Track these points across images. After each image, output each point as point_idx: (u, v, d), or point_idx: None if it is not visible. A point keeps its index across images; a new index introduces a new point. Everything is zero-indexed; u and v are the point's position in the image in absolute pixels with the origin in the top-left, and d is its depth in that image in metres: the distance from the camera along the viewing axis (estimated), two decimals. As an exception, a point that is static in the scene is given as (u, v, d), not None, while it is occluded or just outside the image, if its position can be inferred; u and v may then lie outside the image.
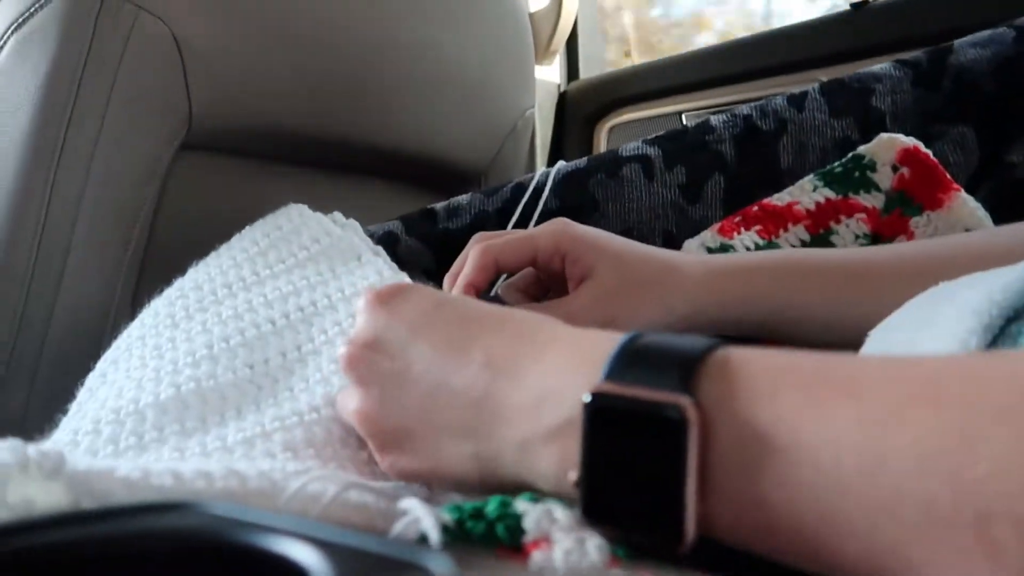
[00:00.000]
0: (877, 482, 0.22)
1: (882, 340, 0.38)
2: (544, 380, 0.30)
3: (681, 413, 0.24)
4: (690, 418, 0.24)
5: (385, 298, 0.36)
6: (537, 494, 0.30)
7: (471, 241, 0.51)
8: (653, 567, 0.26)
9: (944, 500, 0.20)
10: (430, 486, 0.36)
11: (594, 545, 0.26)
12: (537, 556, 0.26)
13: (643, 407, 0.25)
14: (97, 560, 0.15)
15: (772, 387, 0.25)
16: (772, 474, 0.24)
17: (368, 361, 0.35)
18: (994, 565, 0.20)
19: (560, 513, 0.28)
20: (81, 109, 0.63)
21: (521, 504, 0.28)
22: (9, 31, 0.64)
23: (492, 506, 0.28)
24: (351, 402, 0.37)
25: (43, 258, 0.62)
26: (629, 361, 0.27)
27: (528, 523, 0.27)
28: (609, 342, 0.28)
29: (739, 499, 0.24)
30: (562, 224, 0.49)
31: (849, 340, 0.49)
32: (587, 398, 0.26)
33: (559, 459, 0.28)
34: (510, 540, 0.27)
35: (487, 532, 0.28)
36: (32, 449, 0.28)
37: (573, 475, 0.27)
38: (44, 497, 0.27)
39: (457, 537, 0.27)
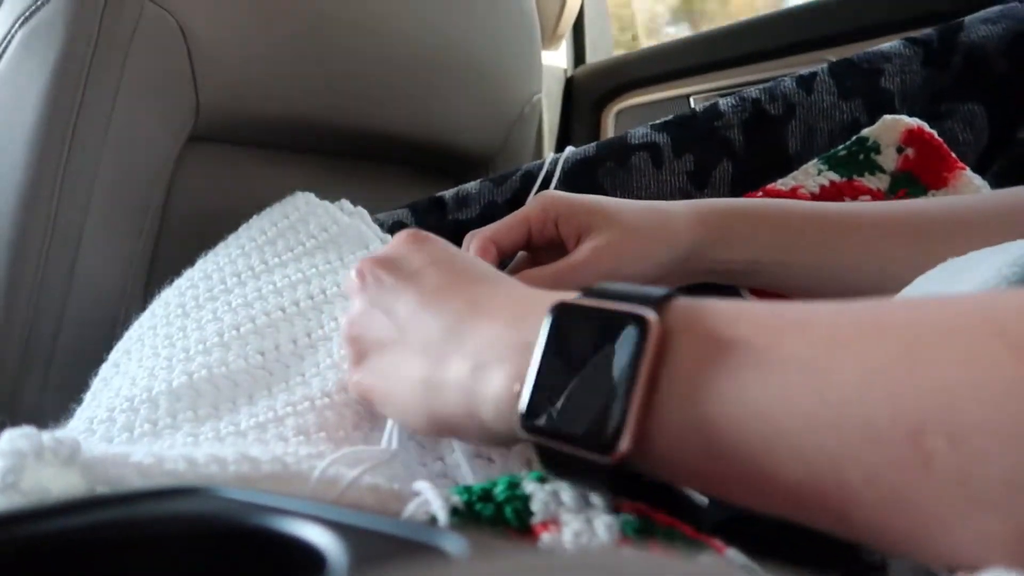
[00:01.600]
0: (823, 400, 0.22)
1: None
2: (515, 314, 0.31)
3: (642, 322, 0.25)
4: (651, 324, 0.25)
5: (416, 235, 0.39)
6: (540, 471, 0.30)
7: (465, 239, 0.52)
8: (662, 543, 0.26)
9: (883, 416, 0.21)
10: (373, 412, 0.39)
11: (603, 524, 0.26)
12: (546, 538, 0.26)
13: (605, 315, 0.27)
14: (113, 544, 0.16)
15: (734, 316, 0.26)
16: (723, 392, 0.24)
17: (375, 275, 0.37)
18: (927, 475, 0.20)
19: (567, 495, 0.28)
20: (90, 101, 0.63)
21: (529, 485, 0.29)
22: (16, 24, 0.64)
23: (500, 488, 0.29)
24: (351, 309, 0.39)
25: (55, 250, 0.63)
26: (595, 292, 0.28)
27: (536, 505, 0.28)
28: (579, 290, 0.30)
29: (683, 419, 0.25)
30: (548, 194, 0.51)
31: (835, 290, 0.50)
32: (553, 304, 0.28)
33: (508, 376, 0.29)
34: (518, 522, 0.27)
35: (496, 514, 0.28)
36: (47, 436, 0.29)
37: (517, 386, 0.28)
38: (59, 483, 0.28)
39: (466, 519, 0.28)
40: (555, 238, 0.50)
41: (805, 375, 0.23)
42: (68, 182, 0.63)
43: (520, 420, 0.28)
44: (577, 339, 0.27)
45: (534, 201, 0.51)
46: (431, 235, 0.39)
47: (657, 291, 0.27)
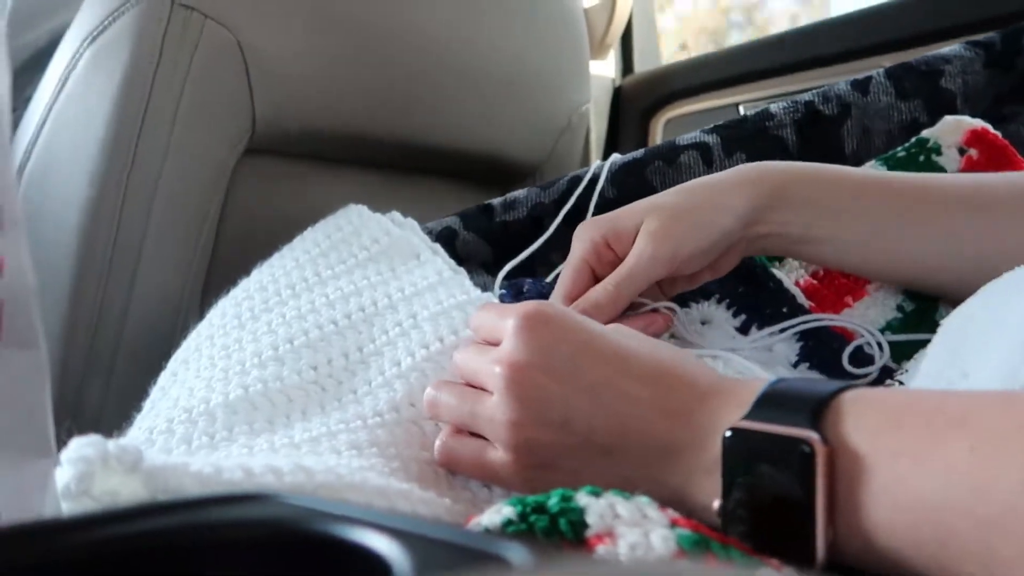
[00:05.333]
0: (988, 500, 0.24)
1: (959, 330, 0.37)
2: (707, 421, 0.32)
3: (810, 446, 0.27)
4: (817, 451, 0.27)
5: (536, 323, 0.36)
6: (599, 488, 0.30)
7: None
8: (719, 557, 0.25)
9: None
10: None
11: (659, 537, 0.26)
12: (601, 550, 0.26)
13: (774, 441, 0.28)
14: (183, 548, 0.16)
15: (896, 419, 0.27)
16: (894, 499, 0.26)
17: (533, 381, 0.35)
18: None
19: (623, 507, 0.28)
20: (153, 116, 0.65)
21: (583, 498, 0.28)
22: (85, 43, 0.66)
23: (554, 500, 0.28)
24: (500, 410, 0.35)
25: (118, 260, 0.65)
26: (767, 402, 0.30)
27: (591, 517, 0.27)
28: (757, 385, 0.31)
29: (865, 525, 0.27)
30: (586, 223, 0.50)
31: (893, 262, 0.48)
32: (728, 433, 0.30)
33: (712, 491, 0.31)
34: (573, 534, 0.27)
35: (550, 526, 0.28)
36: (112, 445, 0.30)
37: (716, 503, 0.30)
38: (125, 491, 0.29)
39: (520, 531, 0.28)
40: (615, 259, 0.49)
41: (969, 479, 0.24)
42: (131, 194, 0.65)
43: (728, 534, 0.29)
44: (753, 467, 0.29)
45: (577, 240, 0.50)
46: (543, 317, 0.36)
47: (824, 391, 0.29)
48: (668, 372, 0.34)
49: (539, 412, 0.34)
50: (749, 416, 0.30)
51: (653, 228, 0.47)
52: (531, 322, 0.35)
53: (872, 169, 0.60)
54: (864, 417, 0.28)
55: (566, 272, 0.50)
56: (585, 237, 0.49)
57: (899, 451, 0.26)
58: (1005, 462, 0.24)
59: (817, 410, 0.28)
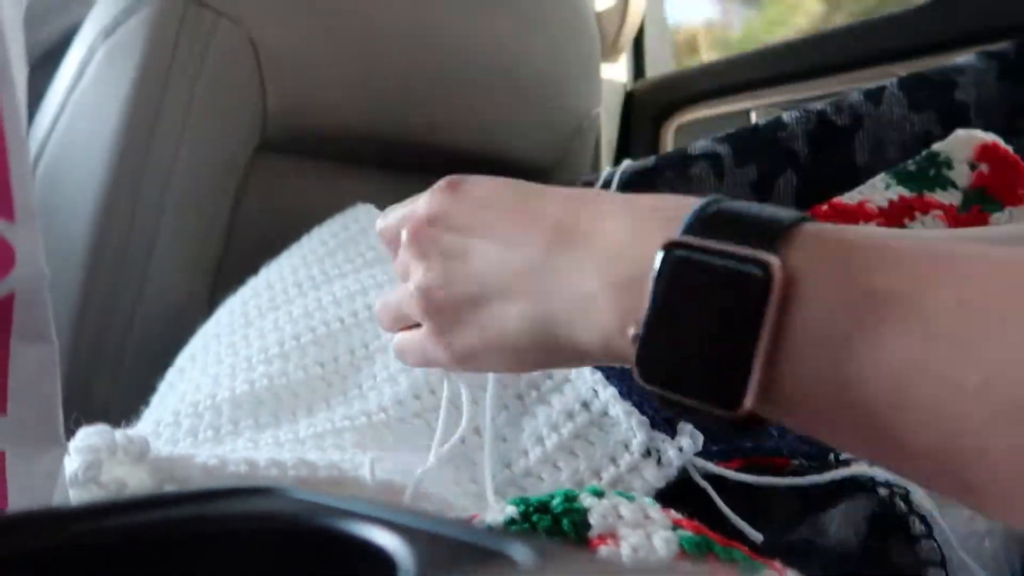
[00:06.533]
0: (971, 366, 0.21)
1: None
2: (614, 237, 0.28)
3: (766, 270, 0.23)
4: (775, 276, 0.23)
5: (451, 182, 0.35)
6: (599, 486, 0.30)
7: None
8: (721, 559, 0.26)
9: None
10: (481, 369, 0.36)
11: (661, 538, 0.26)
12: (604, 551, 0.26)
13: (723, 260, 0.24)
14: (189, 540, 0.16)
15: (876, 257, 0.23)
16: (859, 349, 0.22)
17: (431, 236, 0.34)
18: None
19: (626, 508, 0.28)
20: (166, 112, 0.65)
21: (587, 499, 0.28)
22: (100, 39, 0.67)
23: (557, 500, 0.28)
24: (412, 280, 0.35)
25: (130, 254, 0.65)
26: (709, 220, 0.25)
27: (594, 518, 0.27)
28: (685, 203, 0.27)
29: (813, 371, 0.23)
30: None
31: None
32: (661, 252, 0.25)
33: (620, 314, 0.27)
34: (576, 535, 0.27)
35: (552, 526, 0.28)
36: (119, 434, 0.30)
37: (632, 330, 0.26)
38: (132, 479, 0.29)
39: (522, 530, 0.28)
40: None
41: (954, 345, 0.21)
42: (144, 190, 0.65)
43: (636, 372, 0.26)
44: (692, 287, 0.25)
45: None
46: (465, 176, 0.36)
47: (784, 217, 0.24)
48: (578, 196, 0.32)
49: (441, 265, 0.34)
50: (688, 232, 0.25)
51: None
52: (439, 185, 0.35)
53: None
54: (833, 252, 0.23)
55: None
56: None
57: (875, 297, 0.22)
58: (992, 324, 0.21)
59: (775, 232, 0.24)
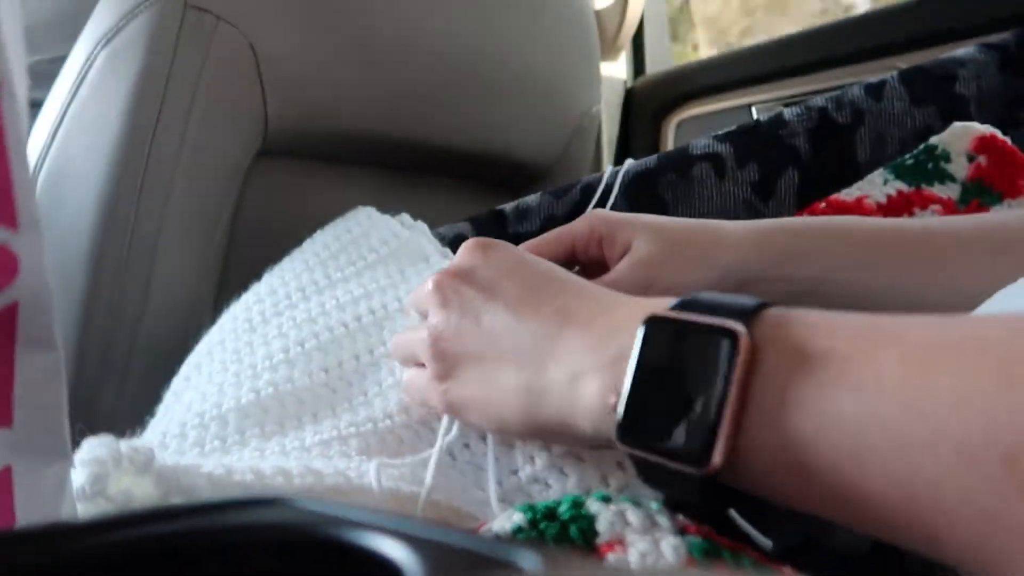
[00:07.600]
0: (917, 419, 0.22)
1: None
2: (608, 325, 0.32)
3: (733, 336, 0.26)
4: (742, 338, 0.25)
5: (483, 244, 0.39)
6: (606, 492, 0.30)
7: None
8: (729, 565, 0.25)
9: (977, 439, 0.21)
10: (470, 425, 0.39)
11: (669, 545, 0.26)
12: (611, 558, 0.26)
13: (696, 328, 0.27)
14: (198, 552, 0.16)
15: (827, 328, 0.26)
16: (812, 408, 0.24)
17: (455, 288, 0.38)
18: (1021, 500, 0.20)
19: (634, 515, 0.28)
20: (167, 118, 0.65)
21: (594, 505, 0.28)
22: (98, 46, 0.67)
23: (565, 507, 0.28)
24: (427, 323, 0.39)
25: (133, 261, 0.65)
26: (687, 304, 0.29)
27: (601, 525, 0.27)
28: (671, 299, 0.30)
29: (773, 434, 0.25)
30: (596, 213, 0.51)
31: (901, 309, 0.46)
32: (643, 325, 0.28)
33: (603, 387, 0.30)
34: (583, 542, 0.27)
35: (560, 533, 0.28)
36: (124, 445, 0.30)
37: (612, 398, 0.29)
38: (139, 491, 0.29)
39: (530, 537, 0.28)
40: (601, 258, 0.49)
41: (898, 394, 0.23)
42: (146, 196, 0.65)
43: (616, 433, 0.28)
44: (670, 353, 0.27)
45: (582, 219, 0.50)
46: (498, 242, 0.40)
47: (749, 301, 0.27)
48: (590, 291, 0.36)
49: (456, 317, 0.37)
50: (672, 310, 0.29)
51: (636, 259, 0.46)
52: (472, 244, 0.40)
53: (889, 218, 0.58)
54: (792, 326, 0.26)
55: (549, 234, 0.51)
56: (586, 223, 0.50)
57: (826, 358, 0.24)
58: (936, 378, 0.22)
59: (743, 314, 0.27)
